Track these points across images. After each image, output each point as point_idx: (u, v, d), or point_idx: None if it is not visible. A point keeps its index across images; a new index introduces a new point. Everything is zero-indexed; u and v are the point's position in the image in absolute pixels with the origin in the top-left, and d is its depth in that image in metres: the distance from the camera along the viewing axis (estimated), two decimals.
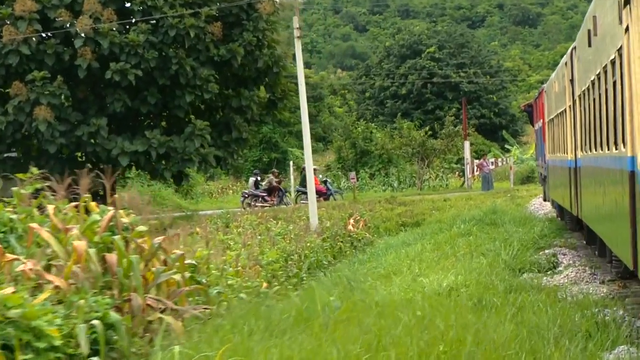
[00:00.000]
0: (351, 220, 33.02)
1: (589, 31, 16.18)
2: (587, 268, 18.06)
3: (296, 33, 34.12)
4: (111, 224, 12.08)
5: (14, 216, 12.86)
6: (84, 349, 10.02)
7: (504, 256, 19.34)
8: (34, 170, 13.42)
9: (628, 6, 11.03)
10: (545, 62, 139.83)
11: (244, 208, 45.73)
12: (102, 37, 38.62)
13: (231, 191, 64.41)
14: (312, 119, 78.49)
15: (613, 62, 12.87)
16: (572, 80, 21.18)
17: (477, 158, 69.45)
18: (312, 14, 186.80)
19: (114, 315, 10.68)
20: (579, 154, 19.76)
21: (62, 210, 12.54)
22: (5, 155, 40.56)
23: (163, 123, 42.85)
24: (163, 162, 40.87)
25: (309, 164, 34.54)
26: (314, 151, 71.39)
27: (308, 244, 25.68)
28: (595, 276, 17.33)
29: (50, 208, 12.23)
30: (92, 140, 39.44)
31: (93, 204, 12.67)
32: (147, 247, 12.42)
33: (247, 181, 56.94)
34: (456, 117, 69.10)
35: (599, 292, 15.21)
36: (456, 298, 13.97)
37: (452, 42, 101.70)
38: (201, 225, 27.47)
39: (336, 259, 27.08)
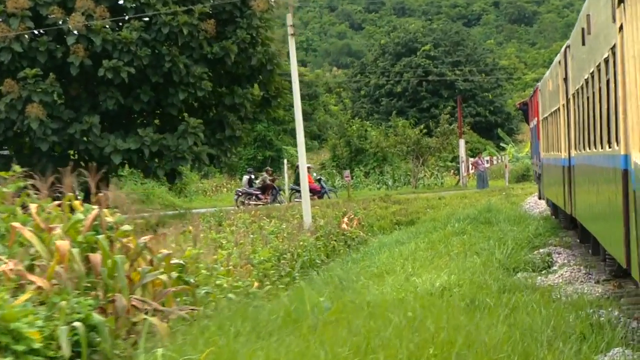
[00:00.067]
0: (345, 219, 32.87)
1: (582, 30, 16.17)
2: (582, 267, 17.89)
3: (290, 30, 33.95)
4: (95, 223, 11.85)
5: None
6: (65, 351, 9.79)
7: (498, 255, 19.18)
8: (17, 168, 13.18)
9: (622, 5, 10.98)
10: (541, 61, 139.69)
11: (238, 206, 45.51)
12: (95, 35, 38.41)
13: (225, 189, 64.21)
14: (307, 117, 78.48)
15: (607, 61, 12.84)
16: (565, 79, 21.17)
17: (472, 156, 69.25)
18: (308, 11, 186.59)
19: (96, 317, 10.44)
20: (573, 152, 19.73)
21: (46, 209, 12.28)
22: None
23: (156, 121, 42.66)
24: (156, 160, 40.68)
25: (303, 162, 34.40)
26: (309, 149, 71.25)
27: (301, 243, 25.50)
28: (590, 276, 17.16)
29: (32, 207, 11.99)
30: (85, 138, 39.25)
31: (77, 202, 12.42)
32: (132, 246, 12.17)
33: (241, 179, 56.71)
34: (451, 115, 68.77)
35: (594, 292, 15.03)
36: (449, 298, 13.76)
37: (447, 40, 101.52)
38: (194, 224, 27.22)
39: (329, 258, 26.92)
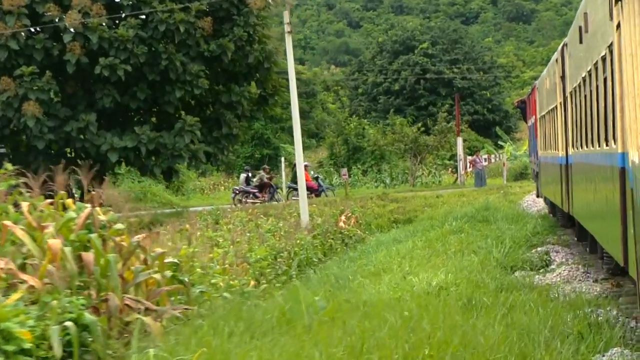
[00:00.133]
0: (342, 217, 32.78)
1: (580, 28, 16.18)
2: (580, 266, 17.79)
3: (287, 28, 33.83)
4: (88, 221, 11.72)
5: None
6: (57, 351, 9.67)
7: (496, 254, 19.09)
8: (9, 166, 13.06)
9: (619, 3, 10.96)
10: (539, 59, 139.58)
11: (235, 204, 45.41)
12: (91, 32, 38.25)
13: (223, 187, 64.12)
14: (305, 115, 78.36)
15: (604, 59, 12.82)
16: (563, 77, 21.16)
17: (470, 154, 69.16)
18: (306, 10, 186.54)
19: (88, 317, 10.32)
20: (570, 150, 19.73)
21: (38, 208, 12.16)
22: None
23: (153, 119, 42.49)
24: (153, 158, 40.53)
25: (300, 160, 34.31)
26: (307, 147, 71.21)
27: (298, 241, 25.40)
28: (588, 274, 17.06)
29: (24, 205, 11.86)
30: (81, 136, 39.09)
31: (70, 201, 12.30)
32: (125, 245, 12.05)
33: (238, 177, 56.61)
34: (449, 113, 68.82)
35: (592, 291, 14.92)
36: (445, 297, 13.63)
37: (445, 38, 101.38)
38: (190, 222, 27.11)
39: (327, 257, 26.82)
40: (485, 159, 68.55)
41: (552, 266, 18.52)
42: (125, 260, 12.00)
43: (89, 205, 11.90)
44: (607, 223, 13.02)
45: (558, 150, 22.28)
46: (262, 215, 32.91)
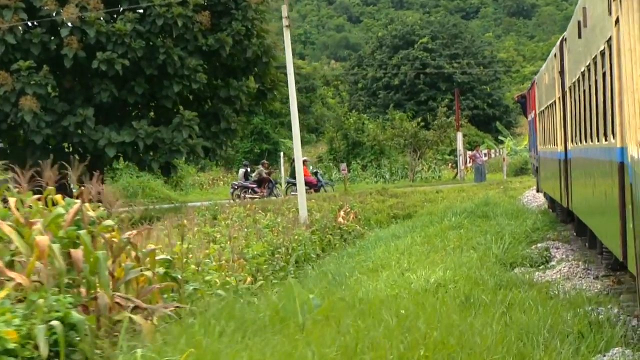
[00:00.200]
0: (341, 212, 32.52)
1: (579, 22, 16.20)
2: (580, 263, 17.57)
3: (285, 22, 33.58)
4: (77, 217, 11.47)
5: None
6: (43, 351, 9.42)
7: (495, 250, 18.89)
8: None
9: None
10: (539, 53, 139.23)
11: (234, 199, 45.21)
12: (89, 26, 38.12)
13: (222, 182, 63.90)
14: (305, 110, 78.19)
15: (603, 54, 12.82)
16: (562, 72, 21.13)
17: (470, 149, 68.92)
18: (306, 4, 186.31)
19: (75, 315, 10.06)
20: (569, 145, 19.69)
21: (26, 203, 11.91)
22: None
23: (151, 113, 42.37)
24: (150, 153, 40.39)
25: (298, 155, 34.10)
26: (306, 142, 71.07)
27: (296, 237, 25.14)
28: (588, 271, 16.84)
29: (12, 201, 11.61)
30: (79, 131, 38.96)
31: (59, 196, 12.05)
32: (116, 241, 11.81)
33: (237, 172, 56.39)
34: (449, 108, 68.48)
35: (593, 289, 14.71)
36: (443, 295, 13.39)
37: (445, 33, 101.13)
38: (188, 217, 26.87)
39: (325, 252, 26.58)
40: (485, 154, 68.34)
41: (552, 262, 18.31)
42: (116, 257, 11.76)
43: (78, 201, 11.65)
44: (606, 218, 13.00)
45: (557, 145, 22.21)
46: (260, 211, 32.66)
